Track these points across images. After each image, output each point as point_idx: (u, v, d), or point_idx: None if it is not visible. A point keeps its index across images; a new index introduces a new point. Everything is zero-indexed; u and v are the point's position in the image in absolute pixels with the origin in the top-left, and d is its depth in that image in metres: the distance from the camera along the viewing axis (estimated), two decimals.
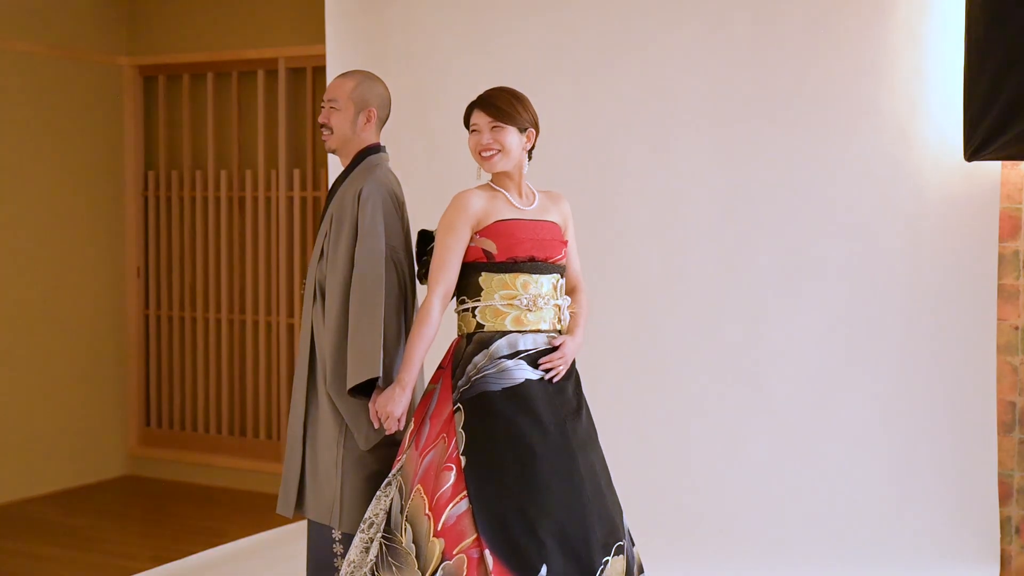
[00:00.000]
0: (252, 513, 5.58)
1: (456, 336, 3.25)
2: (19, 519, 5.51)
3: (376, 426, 3.22)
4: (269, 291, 6.10)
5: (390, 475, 3.17)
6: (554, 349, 3.18)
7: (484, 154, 3.18)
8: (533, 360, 3.14)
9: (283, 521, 5.24)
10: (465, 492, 2.99)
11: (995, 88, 4.04)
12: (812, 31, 4.59)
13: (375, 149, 3.45)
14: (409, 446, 3.16)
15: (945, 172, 4.43)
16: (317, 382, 3.36)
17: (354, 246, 3.28)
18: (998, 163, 4.34)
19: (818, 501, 4.60)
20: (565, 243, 3.29)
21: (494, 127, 3.17)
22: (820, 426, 4.62)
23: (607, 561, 3.04)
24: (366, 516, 3.16)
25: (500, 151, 3.18)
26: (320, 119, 3.47)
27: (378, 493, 3.17)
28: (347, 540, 3.34)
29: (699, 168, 4.77)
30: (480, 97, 3.22)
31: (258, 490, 6.01)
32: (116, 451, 6.36)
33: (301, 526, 4.88)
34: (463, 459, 3.02)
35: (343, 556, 3.34)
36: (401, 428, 3.20)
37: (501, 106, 3.17)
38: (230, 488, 6.09)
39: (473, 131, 3.21)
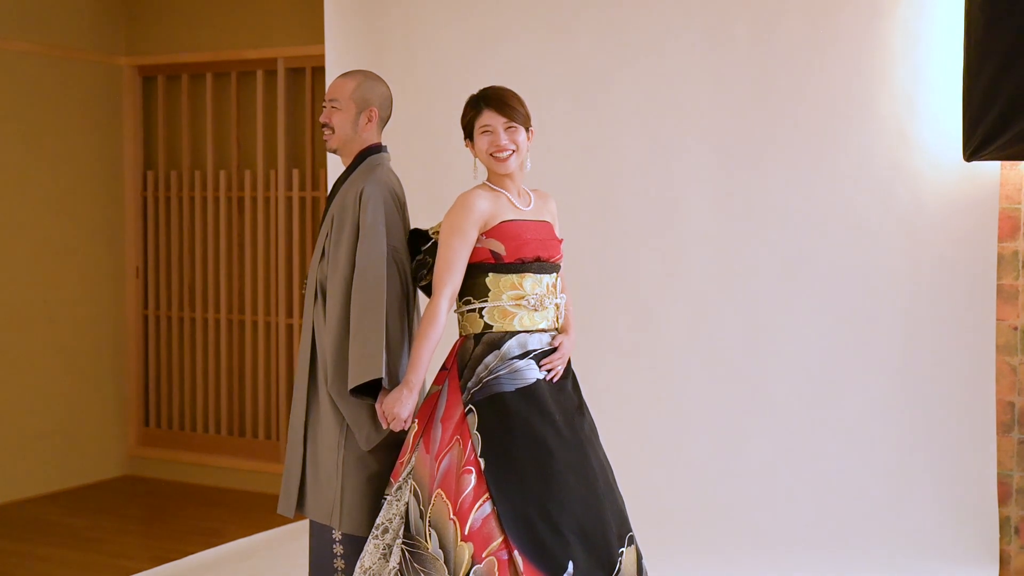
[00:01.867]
0: (252, 513, 5.58)
1: (460, 336, 3.24)
2: (19, 519, 5.51)
3: (384, 427, 3.21)
4: (268, 291, 6.10)
5: (399, 479, 3.16)
6: (554, 350, 3.19)
7: (500, 155, 3.15)
8: (540, 359, 3.15)
9: (283, 521, 5.24)
10: (487, 494, 3.00)
11: (994, 88, 4.04)
12: (812, 32, 4.59)
13: (376, 149, 3.44)
14: (416, 448, 3.15)
15: (944, 172, 4.44)
16: (318, 382, 3.35)
17: (355, 246, 3.27)
18: (997, 163, 4.35)
19: (817, 501, 4.60)
20: (561, 241, 3.30)
21: (509, 127, 3.15)
22: (819, 426, 4.62)
23: (622, 552, 3.08)
24: (378, 522, 3.15)
25: (515, 151, 3.17)
26: (321, 119, 3.46)
27: (388, 497, 3.16)
28: (347, 540, 3.33)
29: (699, 168, 4.78)
30: (487, 97, 3.18)
31: (258, 490, 6.00)
32: (116, 451, 6.35)
33: (301, 526, 4.88)
34: (482, 461, 3.02)
35: (343, 556, 3.33)
36: (407, 428, 3.20)
37: (515, 106, 3.16)
38: (229, 488, 6.08)
39: (485, 132, 3.16)
